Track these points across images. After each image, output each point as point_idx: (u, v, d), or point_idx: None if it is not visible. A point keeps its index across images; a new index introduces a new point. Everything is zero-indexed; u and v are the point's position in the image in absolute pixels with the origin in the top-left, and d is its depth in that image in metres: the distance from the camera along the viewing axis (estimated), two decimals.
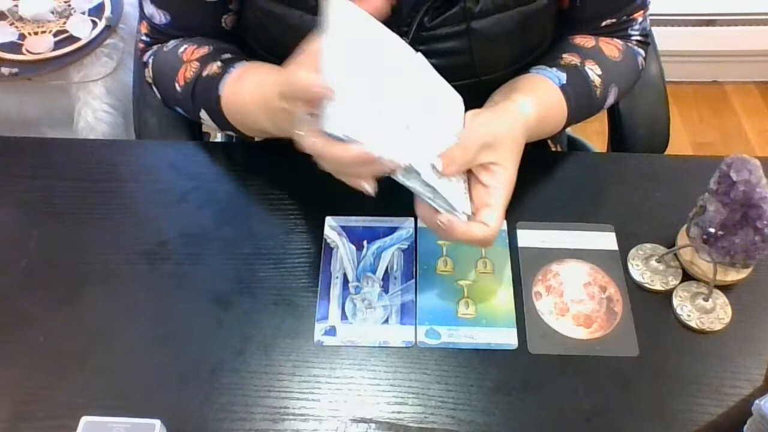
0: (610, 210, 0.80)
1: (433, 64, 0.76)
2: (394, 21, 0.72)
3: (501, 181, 0.66)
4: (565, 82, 0.77)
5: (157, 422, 0.61)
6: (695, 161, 0.92)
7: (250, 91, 0.73)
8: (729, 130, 2.01)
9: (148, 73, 0.85)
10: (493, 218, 0.64)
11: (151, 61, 0.84)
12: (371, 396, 0.66)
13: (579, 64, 0.79)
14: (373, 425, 0.64)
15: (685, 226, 0.75)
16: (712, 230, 0.71)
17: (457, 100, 0.70)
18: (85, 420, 0.60)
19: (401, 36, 0.70)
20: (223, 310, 0.71)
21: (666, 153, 0.98)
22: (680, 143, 1.92)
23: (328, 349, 0.69)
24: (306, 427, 0.64)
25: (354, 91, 0.58)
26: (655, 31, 0.99)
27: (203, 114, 0.79)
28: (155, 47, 0.85)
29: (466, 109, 0.70)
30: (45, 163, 0.84)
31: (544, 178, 0.83)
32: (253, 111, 0.72)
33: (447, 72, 0.75)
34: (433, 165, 0.63)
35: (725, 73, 2.10)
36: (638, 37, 0.85)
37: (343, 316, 0.71)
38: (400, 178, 0.61)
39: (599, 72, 0.79)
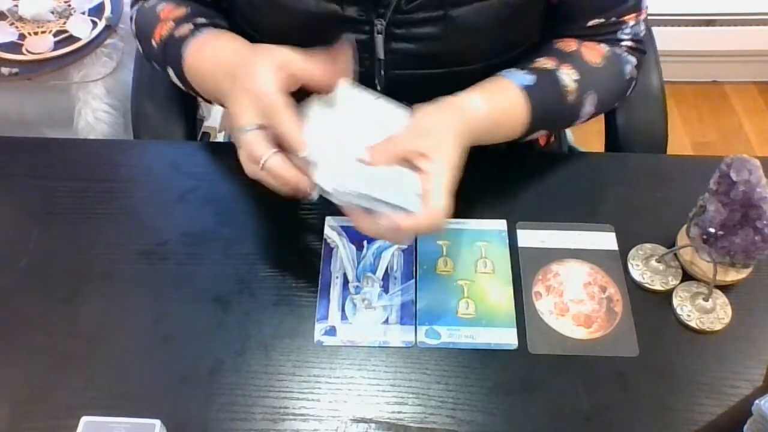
0: (610, 210, 0.80)
1: (406, 50, 0.75)
2: (372, 3, 0.71)
3: (439, 164, 0.63)
4: (531, 84, 0.74)
5: (157, 422, 0.61)
6: (695, 161, 0.92)
7: (209, 60, 0.74)
8: (729, 130, 2.01)
9: (133, 27, 0.87)
10: (431, 200, 0.62)
11: (134, 15, 0.86)
12: (371, 396, 0.66)
13: (554, 68, 0.77)
14: (373, 425, 0.64)
15: (685, 226, 0.75)
16: (712, 230, 0.71)
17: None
18: (85, 420, 0.60)
19: (377, 18, 0.72)
20: (223, 310, 0.71)
21: (666, 153, 0.98)
22: (680, 143, 1.92)
23: (328, 349, 0.69)
24: (306, 427, 0.64)
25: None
26: (655, 31, 0.98)
27: (170, 72, 0.81)
28: (140, 3, 0.86)
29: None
30: (45, 163, 0.84)
31: (544, 178, 0.83)
32: (209, 80, 0.74)
33: (419, 59, 0.74)
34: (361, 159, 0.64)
35: (725, 73, 2.10)
36: (629, 43, 0.81)
37: (343, 316, 0.71)
38: (334, 196, 0.63)
39: (576, 77, 0.77)
